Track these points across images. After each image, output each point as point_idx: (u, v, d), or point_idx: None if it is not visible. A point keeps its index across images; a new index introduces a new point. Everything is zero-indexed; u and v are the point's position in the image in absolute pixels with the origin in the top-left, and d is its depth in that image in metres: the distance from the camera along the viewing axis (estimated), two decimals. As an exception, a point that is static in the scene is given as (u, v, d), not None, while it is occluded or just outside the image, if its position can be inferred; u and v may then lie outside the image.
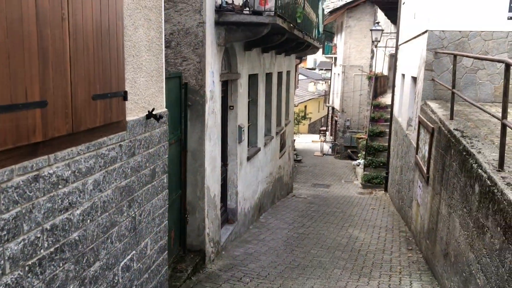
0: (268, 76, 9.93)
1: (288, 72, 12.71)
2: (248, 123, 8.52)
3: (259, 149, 9.14)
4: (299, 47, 10.20)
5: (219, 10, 5.91)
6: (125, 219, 3.59)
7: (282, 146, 12.24)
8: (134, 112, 3.66)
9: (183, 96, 5.60)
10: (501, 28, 7.63)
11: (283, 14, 6.69)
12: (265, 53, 9.05)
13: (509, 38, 7.64)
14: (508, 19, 7.52)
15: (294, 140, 23.42)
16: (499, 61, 4.28)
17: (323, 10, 13.40)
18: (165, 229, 4.53)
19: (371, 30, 17.86)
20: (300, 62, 26.77)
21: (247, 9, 6.02)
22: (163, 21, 4.16)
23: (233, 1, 6.17)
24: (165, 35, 5.35)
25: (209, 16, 5.68)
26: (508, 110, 6.93)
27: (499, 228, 3.58)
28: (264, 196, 9.97)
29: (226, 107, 7.28)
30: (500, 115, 4.09)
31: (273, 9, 5.98)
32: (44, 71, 2.38)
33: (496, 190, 3.75)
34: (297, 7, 7.74)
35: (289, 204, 11.83)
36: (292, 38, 8.29)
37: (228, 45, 6.52)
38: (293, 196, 13.28)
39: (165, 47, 5.40)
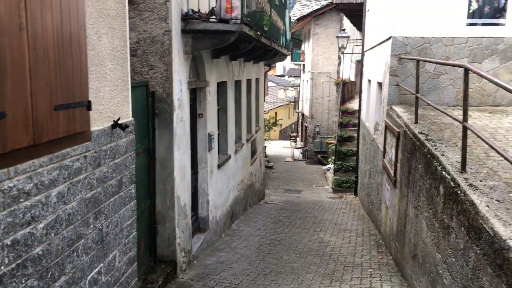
0: (237, 83, 9.95)
1: (257, 80, 12.78)
2: (218, 130, 8.50)
3: (230, 157, 9.13)
4: (267, 55, 10.27)
5: (185, 18, 5.89)
6: (92, 231, 3.51)
7: (253, 153, 12.26)
8: (99, 122, 3.60)
9: (151, 105, 5.55)
10: (461, 34, 7.88)
11: (250, 22, 6.73)
12: (234, 60, 9.07)
13: (468, 44, 7.91)
14: (467, 25, 7.79)
15: (265, 146, 23.54)
16: (459, 66, 4.42)
17: (290, 17, 13.56)
18: (134, 240, 4.45)
19: (337, 37, 18.18)
20: (270, 69, 26.95)
21: (214, 17, 6.03)
22: (127, 29, 4.12)
23: (199, 9, 6.17)
24: (130, 44, 5.30)
25: (175, 24, 5.66)
26: (470, 113, 7.18)
27: (463, 228, 3.68)
28: (236, 203, 9.95)
29: (195, 115, 7.25)
30: (461, 118, 4.21)
31: (239, 17, 6.00)
32: (1, 82, 2.31)
33: (459, 191, 3.86)
34: (263, 15, 7.80)
35: (261, 210, 11.84)
36: (259, 46, 8.35)
37: (195, 53, 6.51)
38: (265, 203, 13.30)
39: (131, 56, 5.34)
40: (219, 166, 8.26)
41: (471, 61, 7.92)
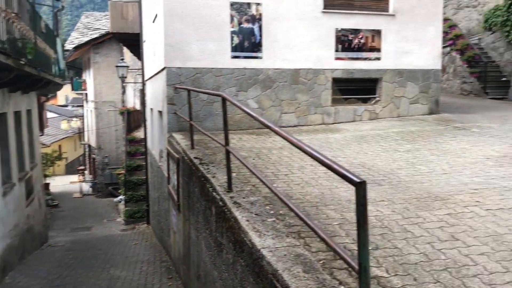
0: (2, 116, 8.87)
1: (28, 111, 11.62)
2: (-21, 172, 7.40)
3: (-3, 200, 8.02)
4: (37, 84, 9.46)
5: None
6: None
7: (29, 192, 11.03)
8: None
9: None
10: (227, 65, 8.67)
11: (9, 49, 6.13)
12: (-5, 91, 8.08)
13: (234, 74, 8.75)
14: (231, 58, 8.62)
15: (49, 183, 21.53)
16: (218, 95, 4.83)
17: (62, 46, 12.82)
18: None
19: (116, 66, 17.93)
20: (48, 100, 24.90)
21: (-41, 43, 5.28)
22: None
23: None
24: None
25: None
26: (240, 136, 7.92)
27: (231, 244, 3.99)
28: (9, 253, 8.74)
29: None
30: (224, 142, 4.59)
31: (-8, 44, 5.40)
32: None
33: (226, 210, 4.20)
34: (26, 42, 7.20)
35: (43, 256, 10.72)
36: (25, 75, 7.64)
37: None
38: (48, 246, 12.09)
39: None
40: (-18, 213, 7.17)
41: (238, 89, 8.76)
